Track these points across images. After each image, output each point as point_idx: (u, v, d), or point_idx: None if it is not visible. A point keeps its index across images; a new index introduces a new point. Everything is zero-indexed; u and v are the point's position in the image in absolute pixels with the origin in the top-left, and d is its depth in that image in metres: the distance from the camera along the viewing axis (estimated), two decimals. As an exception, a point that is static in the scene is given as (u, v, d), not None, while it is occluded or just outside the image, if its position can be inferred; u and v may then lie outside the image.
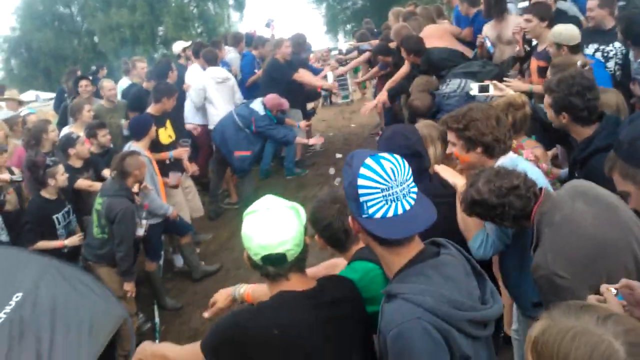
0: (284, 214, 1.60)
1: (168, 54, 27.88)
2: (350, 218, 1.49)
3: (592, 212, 1.80)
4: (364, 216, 1.39)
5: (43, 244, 4.06)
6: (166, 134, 5.24)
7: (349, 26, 31.08)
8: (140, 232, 4.22)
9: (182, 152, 5.31)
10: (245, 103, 6.23)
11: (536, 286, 1.86)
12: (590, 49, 4.02)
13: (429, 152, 3.15)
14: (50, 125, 5.10)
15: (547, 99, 2.61)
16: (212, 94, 6.36)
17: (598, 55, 4.00)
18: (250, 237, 1.58)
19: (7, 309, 3.03)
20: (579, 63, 3.44)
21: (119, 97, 6.44)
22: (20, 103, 7.14)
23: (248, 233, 1.60)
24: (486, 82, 3.63)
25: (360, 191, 1.37)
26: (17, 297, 3.12)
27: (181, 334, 4.39)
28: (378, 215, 1.37)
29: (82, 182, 4.58)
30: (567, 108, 2.50)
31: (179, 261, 5.43)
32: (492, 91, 3.56)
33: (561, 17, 4.33)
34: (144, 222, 4.24)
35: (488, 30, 4.93)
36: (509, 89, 3.50)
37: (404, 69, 5.50)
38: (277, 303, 1.58)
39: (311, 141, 6.37)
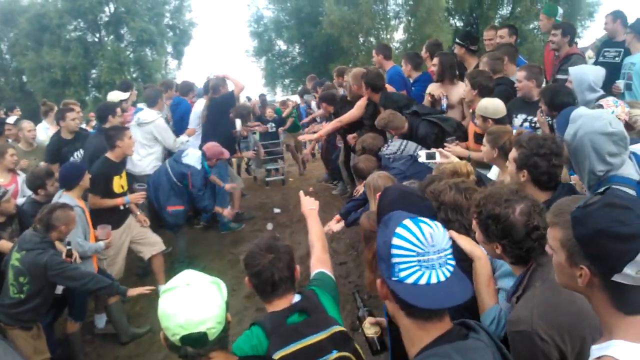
0: (205, 290, 1.52)
1: (100, 98, 27.05)
2: (378, 282, 1.34)
3: None
4: (393, 279, 1.26)
5: None
6: (119, 183, 5.00)
7: (287, 80, 31.81)
8: (60, 290, 3.90)
9: (138, 197, 5.10)
10: (177, 156, 5.84)
11: (509, 341, 1.69)
12: (519, 119, 4.24)
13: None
14: None
15: (513, 153, 2.58)
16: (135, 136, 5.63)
17: (526, 125, 4.21)
18: (169, 316, 1.48)
19: None
20: (514, 131, 3.61)
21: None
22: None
23: (166, 312, 1.49)
24: (433, 150, 3.79)
25: (394, 251, 1.26)
26: None
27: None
28: (409, 280, 1.24)
29: (4, 245, 4.06)
30: (529, 166, 2.46)
31: (100, 322, 4.98)
32: (438, 158, 3.69)
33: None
34: None
35: (435, 90, 5.08)
36: (454, 156, 3.64)
37: (355, 111, 5.58)
38: None
39: (227, 187, 6.20)
